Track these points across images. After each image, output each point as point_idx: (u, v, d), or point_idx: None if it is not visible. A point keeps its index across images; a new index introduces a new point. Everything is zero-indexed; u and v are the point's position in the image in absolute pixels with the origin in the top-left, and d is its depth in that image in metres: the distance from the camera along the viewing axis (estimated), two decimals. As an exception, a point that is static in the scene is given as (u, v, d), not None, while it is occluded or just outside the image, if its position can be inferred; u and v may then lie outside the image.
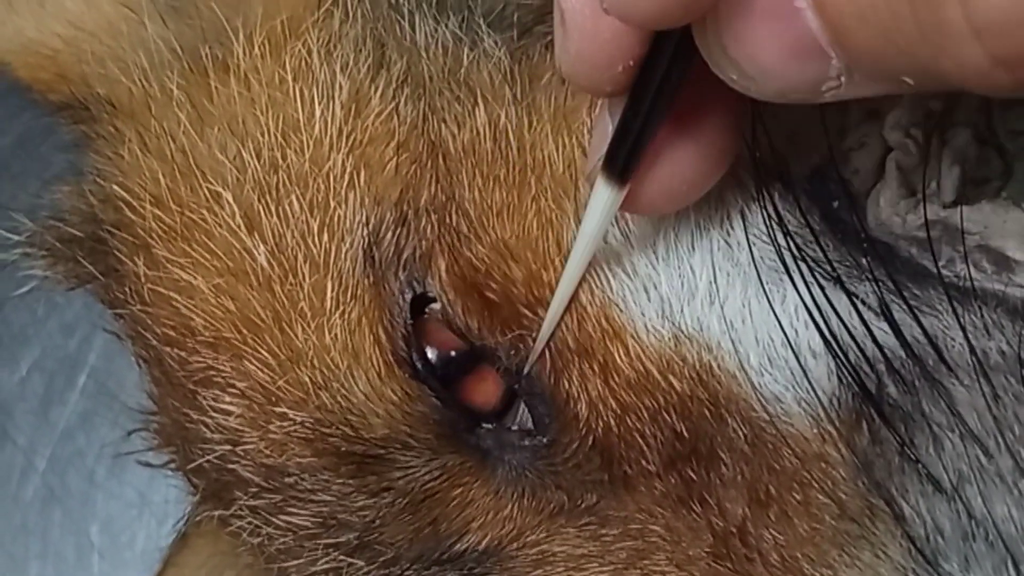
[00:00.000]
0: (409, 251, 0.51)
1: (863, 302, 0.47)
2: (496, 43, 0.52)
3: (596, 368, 0.49)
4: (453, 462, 0.52)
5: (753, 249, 0.48)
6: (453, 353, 0.52)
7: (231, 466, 0.55)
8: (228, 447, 0.55)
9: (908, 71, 0.35)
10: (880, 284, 0.47)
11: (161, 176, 0.55)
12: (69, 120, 0.63)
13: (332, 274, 0.51)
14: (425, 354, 0.52)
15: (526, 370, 0.50)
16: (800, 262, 0.48)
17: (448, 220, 0.51)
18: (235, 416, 0.54)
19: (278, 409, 0.52)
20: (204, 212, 0.53)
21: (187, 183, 0.54)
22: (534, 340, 0.50)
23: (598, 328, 0.49)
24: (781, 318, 0.47)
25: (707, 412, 0.48)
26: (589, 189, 0.46)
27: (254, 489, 0.55)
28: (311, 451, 0.53)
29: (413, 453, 0.52)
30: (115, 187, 0.57)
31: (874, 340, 0.46)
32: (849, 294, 0.47)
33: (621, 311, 0.49)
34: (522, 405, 0.51)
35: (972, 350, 0.45)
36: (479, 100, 0.51)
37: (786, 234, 0.48)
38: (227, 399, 0.54)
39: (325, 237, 0.51)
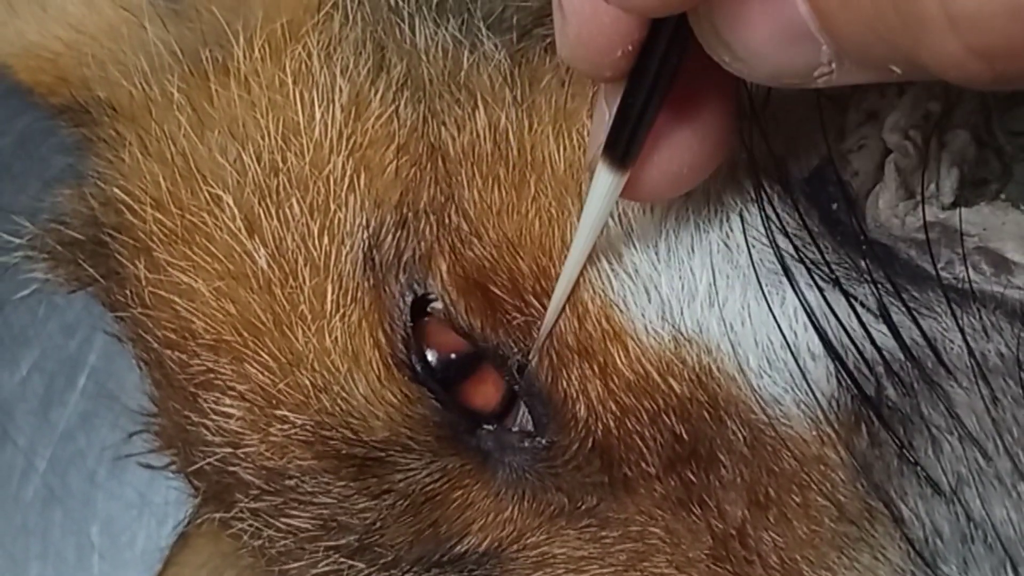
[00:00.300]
0: (409, 253, 0.51)
1: (862, 304, 0.47)
2: (496, 46, 0.52)
3: (596, 369, 0.49)
4: (453, 464, 0.52)
5: (752, 251, 0.48)
6: (453, 355, 0.52)
7: (232, 468, 0.55)
8: (229, 450, 0.55)
9: (893, 60, 0.35)
10: (879, 286, 0.47)
11: (162, 179, 0.55)
12: (70, 123, 0.63)
13: (332, 277, 0.51)
14: (425, 356, 0.52)
15: (531, 357, 0.50)
16: (799, 264, 0.48)
17: (448, 221, 0.51)
18: (236, 419, 0.54)
19: (279, 412, 0.53)
20: (205, 215, 0.53)
21: (188, 186, 0.54)
22: (535, 336, 0.50)
23: (598, 329, 0.49)
24: (780, 320, 0.48)
25: (706, 414, 0.48)
26: (590, 180, 0.46)
27: (255, 491, 0.55)
28: (312, 454, 0.53)
29: (413, 455, 0.52)
30: (116, 190, 0.57)
31: (873, 342, 0.46)
32: (848, 296, 0.47)
33: (621, 312, 0.49)
34: (522, 407, 0.52)
35: (971, 352, 0.45)
36: (479, 103, 0.51)
37: (785, 236, 0.48)
38: (228, 402, 0.54)
39: (325, 240, 0.51)
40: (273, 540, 0.57)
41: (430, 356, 0.52)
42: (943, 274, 0.47)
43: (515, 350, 0.50)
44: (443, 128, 0.52)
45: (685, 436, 0.48)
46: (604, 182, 0.44)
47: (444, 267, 0.51)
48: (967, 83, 0.34)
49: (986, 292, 0.46)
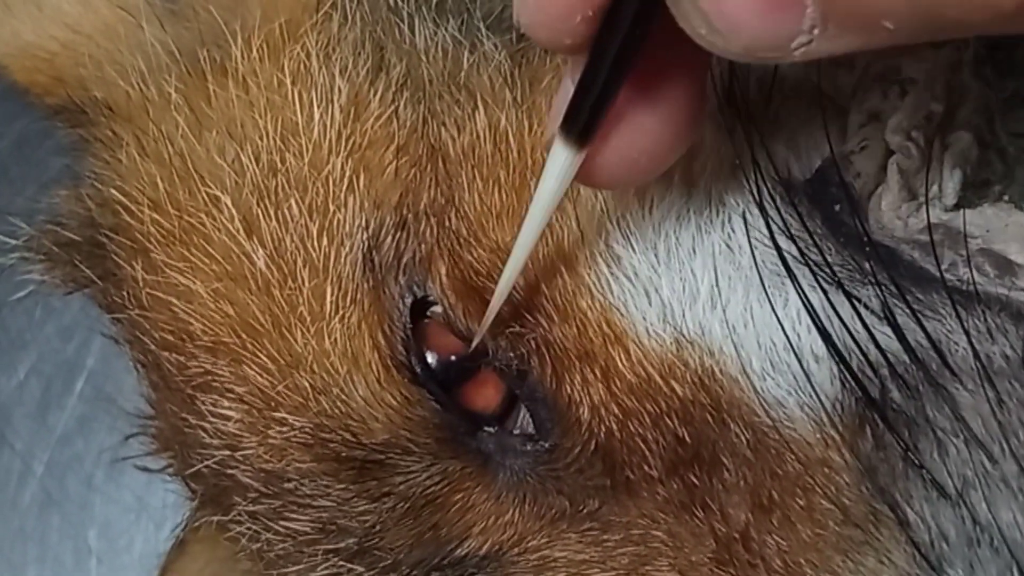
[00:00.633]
0: (409, 255, 0.51)
1: (866, 306, 0.47)
2: (496, 46, 0.52)
3: (598, 373, 0.49)
4: (454, 467, 0.52)
5: (755, 253, 0.48)
6: (453, 357, 0.52)
7: (230, 471, 0.55)
8: (227, 452, 0.54)
9: (890, 8, 0.33)
10: (883, 288, 0.47)
11: (159, 180, 0.54)
12: (66, 123, 0.63)
13: (331, 278, 0.51)
14: (425, 358, 0.52)
15: (475, 342, 0.49)
16: (802, 266, 0.48)
17: (448, 223, 0.51)
18: (234, 421, 0.54)
19: (277, 414, 0.52)
20: (202, 216, 0.53)
21: (185, 187, 0.54)
22: (533, 340, 0.50)
23: (599, 333, 0.49)
24: (783, 322, 0.47)
25: (709, 417, 0.48)
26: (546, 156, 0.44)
27: (253, 494, 0.55)
28: (311, 456, 0.52)
29: (413, 458, 0.52)
30: (113, 191, 0.57)
31: (877, 344, 0.46)
32: (851, 298, 0.47)
33: (622, 315, 0.49)
34: (523, 409, 0.51)
35: (976, 354, 0.45)
36: (479, 103, 0.51)
37: (788, 238, 0.48)
38: (226, 404, 0.54)
39: (324, 241, 0.51)
40: (272, 543, 0.56)
41: (430, 358, 0.52)
42: (947, 276, 0.47)
43: (512, 356, 0.50)
44: (443, 129, 0.51)
45: (688, 439, 0.48)
46: (560, 159, 0.42)
47: (444, 270, 0.50)
48: (985, 21, 0.32)
49: (990, 294, 0.46)
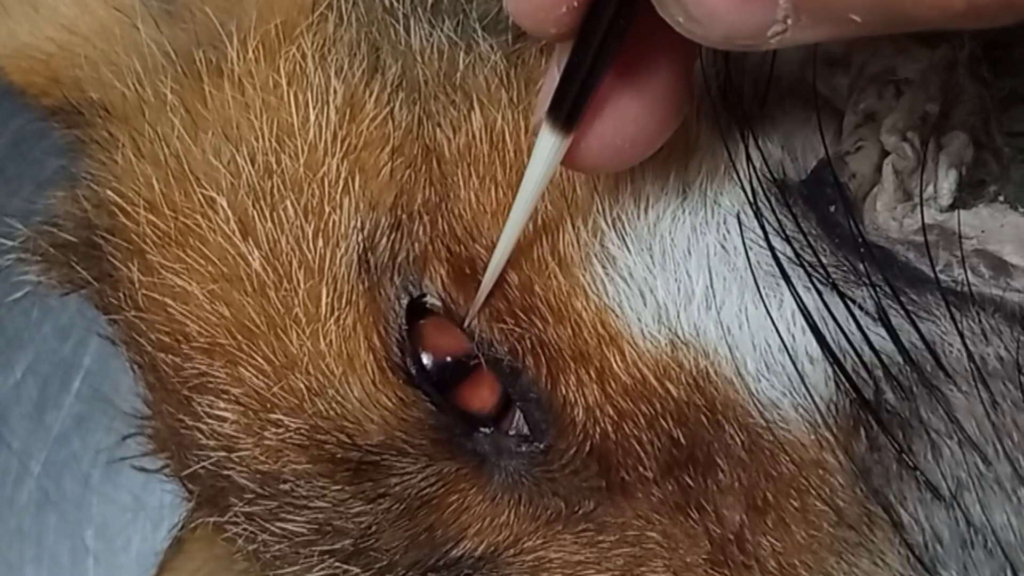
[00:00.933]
0: (403, 255, 0.51)
1: (860, 307, 0.47)
2: (492, 47, 0.52)
3: (593, 374, 0.49)
4: (449, 468, 0.52)
5: (750, 254, 0.48)
6: (449, 358, 0.52)
7: (226, 472, 0.55)
8: (223, 453, 0.54)
9: (857, 3, 0.35)
10: (877, 289, 0.47)
11: (155, 181, 0.54)
12: (63, 124, 0.63)
13: (327, 280, 0.51)
14: (420, 359, 0.52)
15: (466, 323, 0.50)
16: (797, 267, 0.48)
17: (442, 220, 0.50)
18: (230, 422, 0.54)
19: (273, 415, 0.52)
20: (198, 217, 0.53)
21: (181, 188, 0.54)
22: (532, 340, 0.50)
23: (594, 333, 0.49)
24: (778, 323, 0.47)
25: (704, 418, 0.48)
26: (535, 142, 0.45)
27: (249, 495, 0.55)
28: (306, 457, 0.52)
29: (409, 459, 0.52)
30: (109, 192, 0.57)
31: (871, 346, 0.46)
32: (846, 299, 0.47)
33: (617, 316, 0.49)
34: (519, 411, 0.51)
35: (970, 356, 0.45)
36: (475, 104, 0.51)
37: (783, 239, 0.48)
38: (222, 405, 0.54)
39: (320, 242, 0.51)
40: (268, 544, 0.56)
41: (425, 359, 0.52)
42: (942, 277, 0.47)
43: (507, 351, 0.50)
44: (438, 130, 0.51)
45: (682, 440, 0.48)
46: (547, 144, 0.44)
47: (443, 269, 0.50)
48: (936, 18, 0.34)
49: (985, 295, 0.46)
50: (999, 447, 0.44)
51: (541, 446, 0.50)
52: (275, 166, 0.52)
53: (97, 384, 0.93)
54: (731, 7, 0.36)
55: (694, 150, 0.50)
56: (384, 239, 0.51)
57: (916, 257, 0.47)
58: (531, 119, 0.49)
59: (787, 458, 0.47)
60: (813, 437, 0.47)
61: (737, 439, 0.47)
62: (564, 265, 0.50)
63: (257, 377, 0.52)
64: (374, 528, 0.53)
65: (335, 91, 0.52)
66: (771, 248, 0.48)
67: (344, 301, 0.51)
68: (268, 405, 0.52)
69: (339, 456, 0.52)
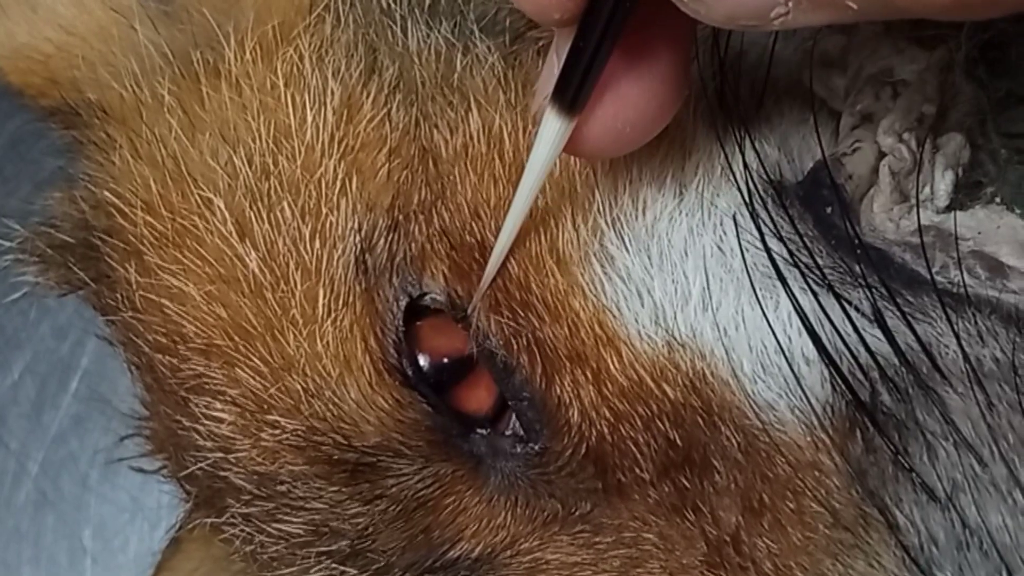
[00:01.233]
0: (401, 256, 0.51)
1: (856, 309, 0.47)
2: (489, 48, 0.52)
3: (589, 375, 0.49)
4: (446, 470, 0.52)
5: (746, 255, 0.48)
6: (446, 360, 0.52)
7: (223, 473, 0.55)
8: (220, 454, 0.54)
9: None
10: (873, 291, 0.47)
11: (152, 182, 0.54)
12: (60, 125, 0.63)
13: (324, 281, 0.51)
14: (416, 361, 0.52)
15: (469, 310, 0.50)
16: (793, 268, 0.48)
17: (441, 219, 0.50)
18: (227, 423, 0.54)
19: (270, 417, 0.52)
20: (195, 218, 0.53)
21: (178, 189, 0.54)
22: (528, 337, 0.49)
23: (591, 333, 0.49)
24: (774, 325, 0.47)
25: (700, 420, 0.48)
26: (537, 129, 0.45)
27: (246, 496, 0.55)
28: (303, 459, 0.52)
29: (405, 461, 0.52)
30: (106, 193, 0.57)
31: (867, 347, 0.46)
32: (842, 301, 0.47)
33: (614, 317, 0.49)
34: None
35: (966, 357, 0.45)
36: (472, 105, 0.51)
37: (779, 240, 0.48)
38: (219, 406, 0.54)
39: (317, 244, 0.51)
40: (265, 545, 0.56)
41: (422, 360, 0.52)
42: (938, 278, 0.47)
43: (502, 344, 0.50)
44: (436, 131, 0.51)
45: (679, 442, 0.48)
46: (552, 128, 0.44)
47: (445, 266, 0.50)
48: (927, 8, 0.35)
49: (981, 296, 0.46)
50: (995, 449, 0.44)
51: (536, 448, 0.50)
52: (272, 167, 0.52)
53: (95, 384, 0.93)
54: None
55: (691, 151, 0.50)
56: (381, 240, 0.51)
57: (912, 259, 0.47)
58: (532, 105, 0.49)
59: (783, 460, 0.47)
60: (809, 439, 0.47)
61: (733, 441, 0.47)
62: (563, 263, 0.50)
63: (254, 378, 0.52)
64: (371, 529, 0.53)
65: (332, 92, 0.52)
66: (767, 249, 0.48)
67: (341, 302, 0.51)
68: (265, 406, 0.52)
69: (336, 457, 0.52)
